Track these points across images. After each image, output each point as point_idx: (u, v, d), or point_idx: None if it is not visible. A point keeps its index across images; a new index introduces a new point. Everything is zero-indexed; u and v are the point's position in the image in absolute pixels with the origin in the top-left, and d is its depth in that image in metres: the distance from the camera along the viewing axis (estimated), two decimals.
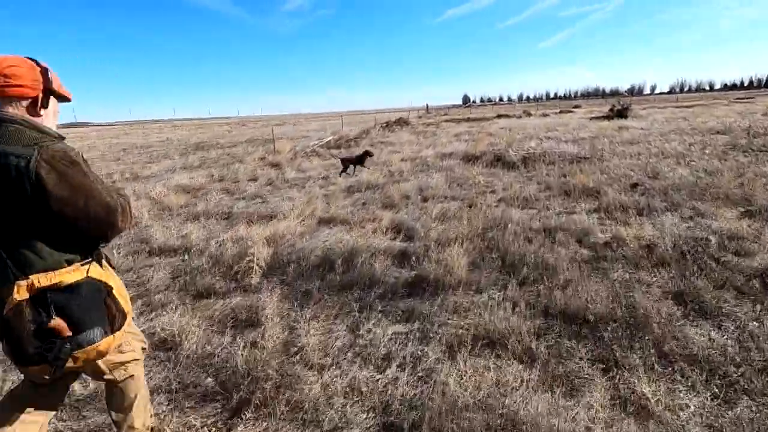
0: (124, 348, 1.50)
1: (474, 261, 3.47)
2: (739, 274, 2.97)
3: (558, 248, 3.67)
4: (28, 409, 1.41)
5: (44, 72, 1.27)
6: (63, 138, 1.32)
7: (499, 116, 28.56)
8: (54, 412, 1.54)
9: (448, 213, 5.01)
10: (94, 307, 1.25)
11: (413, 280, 3.23)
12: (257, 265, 3.54)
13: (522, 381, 2.05)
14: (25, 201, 1.12)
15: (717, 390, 1.93)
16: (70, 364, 1.22)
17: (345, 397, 2.03)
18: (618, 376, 2.06)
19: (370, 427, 1.84)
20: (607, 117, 19.62)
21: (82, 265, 1.26)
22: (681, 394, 1.93)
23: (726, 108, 24.16)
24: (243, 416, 1.93)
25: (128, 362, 1.52)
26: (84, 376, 1.89)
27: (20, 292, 1.13)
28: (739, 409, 1.82)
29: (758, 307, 2.58)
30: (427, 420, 1.80)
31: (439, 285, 3.10)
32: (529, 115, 28.60)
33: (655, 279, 3.04)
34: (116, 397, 1.59)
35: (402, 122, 27.31)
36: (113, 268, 1.44)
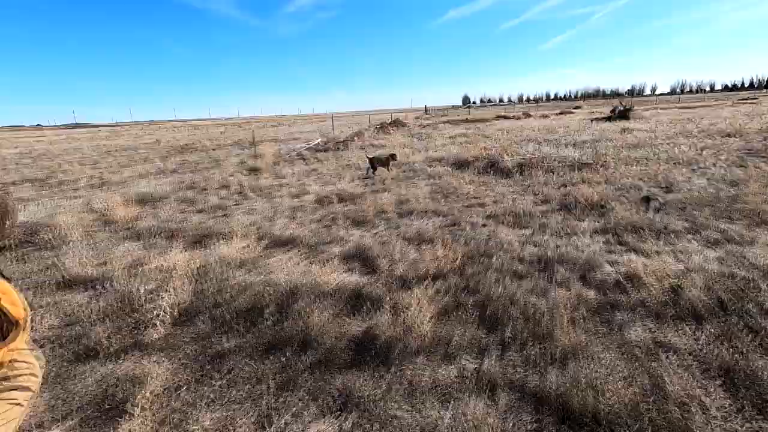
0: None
1: (446, 308, 2.66)
2: None
3: (556, 289, 2.86)
4: None
5: None
6: None
7: (498, 117, 27.77)
8: None
9: (426, 234, 4.20)
10: None
11: (361, 339, 2.42)
12: (167, 311, 2.73)
13: None
14: None
15: None
16: None
17: None
18: None
19: None
20: (609, 118, 18.83)
21: None
22: None
23: (731, 109, 23.38)
24: None
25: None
26: None
27: None
28: None
29: None
30: None
31: (393, 348, 2.29)
32: (529, 116, 27.81)
33: (686, 343, 2.23)
34: None
35: (398, 123, 26.54)
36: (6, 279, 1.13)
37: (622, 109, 19.16)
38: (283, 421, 1.86)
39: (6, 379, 1.12)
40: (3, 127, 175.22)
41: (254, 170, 10.61)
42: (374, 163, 8.30)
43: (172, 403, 2.02)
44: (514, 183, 6.92)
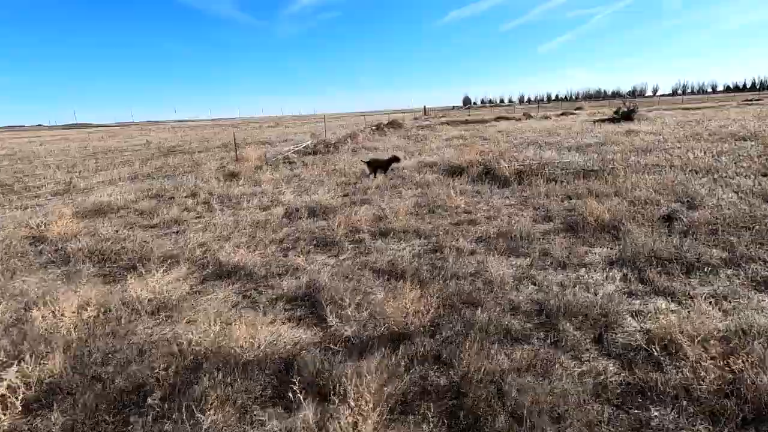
0: None
1: (404, 399, 1.86)
2: None
3: (562, 359, 2.06)
4: None
5: None
6: None
7: (498, 119, 26.95)
8: None
9: (399, 264, 3.40)
10: None
11: None
12: (18, 389, 1.94)
13: None
14: None
15: None
16: None
17: None
18: None
19: None
20: (613, 120, 18.01)
21: None
22: None
23: (738, 110, 22.50)
24: None
25: None
26: None
27: None
28: None
29: None
30: None
31: None
32: (530, 117, 27.01)
33: None
34: None
35: (395, 125, 25.75)
36: None
37: (626, 110, 18.34)
38: None
39: None
40: (4, 127, 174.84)
41: (232, 175, 9.83)
42: (373, 165, 7.72)
43: None
44: (512, 194, 6.13)
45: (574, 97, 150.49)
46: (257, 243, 4.41)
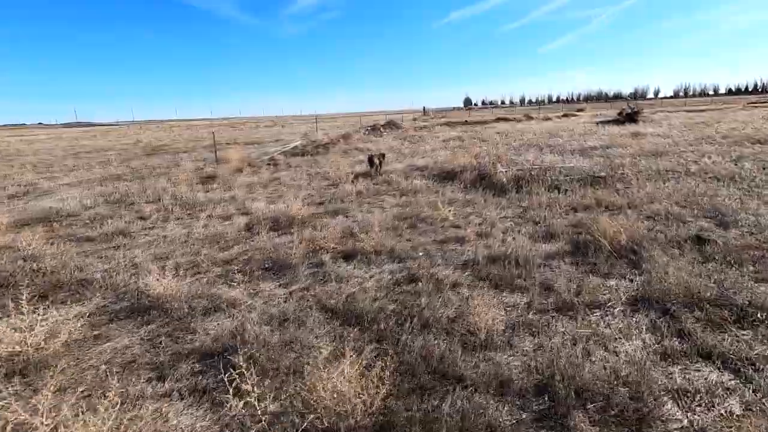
0: None
1: None
2: None
3: None
4: None
5: None
6: None
7: (499, 120, 26.14)
8: None
9: (358, 304, 2.63)
10: None
11: None
12: None
13: None
14: None
15: None
16: None
17: None
18: None
19: None
20: (617, 122, 17.24)
21: None
22: None
23: (745, 113, 21.69)
24: None
25: None
26: None
27: None
28: None
29: None
30: None
31: None
32: (530, 118, 26.21)
33: None
34: None
35: (392, 125, 24.98)
36: None
37: (630, 111, 17.57)
38: None
39: None
40: (4, 125, 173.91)
41: (208, 178, 9.09)
42: (373, 160, 8.31)
43: None
44: (509, 203, 5.36)
45: (575, 99, 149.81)
46: (198, 264, 3.65)
